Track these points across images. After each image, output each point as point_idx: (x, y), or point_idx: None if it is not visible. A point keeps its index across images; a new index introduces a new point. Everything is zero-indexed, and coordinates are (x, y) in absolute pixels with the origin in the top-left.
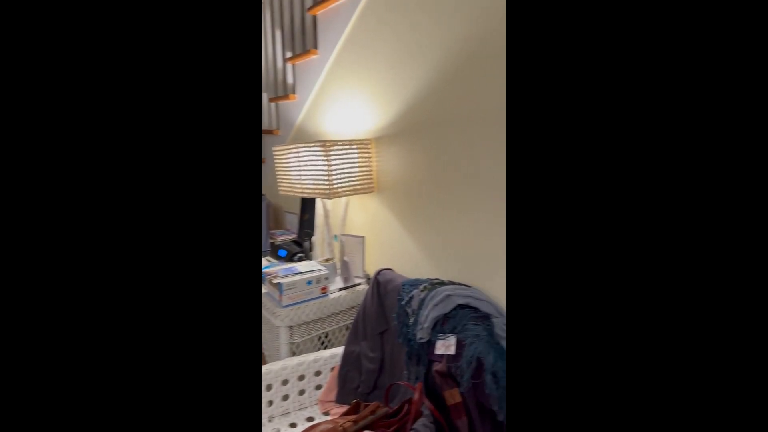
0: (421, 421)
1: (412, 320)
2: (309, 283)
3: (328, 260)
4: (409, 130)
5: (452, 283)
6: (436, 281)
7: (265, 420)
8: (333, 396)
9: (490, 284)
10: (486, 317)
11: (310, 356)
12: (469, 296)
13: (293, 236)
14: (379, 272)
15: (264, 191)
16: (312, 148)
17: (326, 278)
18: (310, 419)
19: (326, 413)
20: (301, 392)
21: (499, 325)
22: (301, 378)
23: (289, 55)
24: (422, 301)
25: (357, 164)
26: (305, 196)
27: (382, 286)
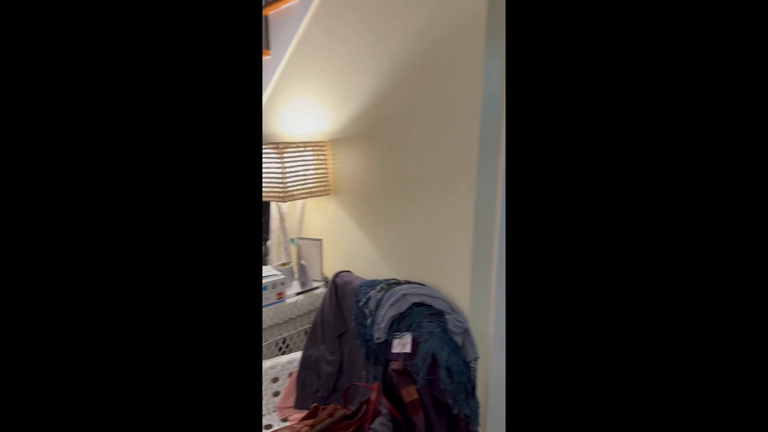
0: (379, 420)
1: (369, 321)
2: (264, 288)
3: (284, 264)
4: (366, 132)
5: (408, 282)
6: (392, 281)
7: None
8: (291, 402)
9: (445, 282)
10: (440, 314)
11: (267, 363)
12: (424, 294)
13: None
14: (337, 275)
15: None
16: (265, 151)
17: (282, 283)
18: (267, 427)
19: (284, 419)
20: None
21: (452, 321)
22: None
23: None
24: (379, 302)
25: (312, 166)
26: None
27: (340, 288)
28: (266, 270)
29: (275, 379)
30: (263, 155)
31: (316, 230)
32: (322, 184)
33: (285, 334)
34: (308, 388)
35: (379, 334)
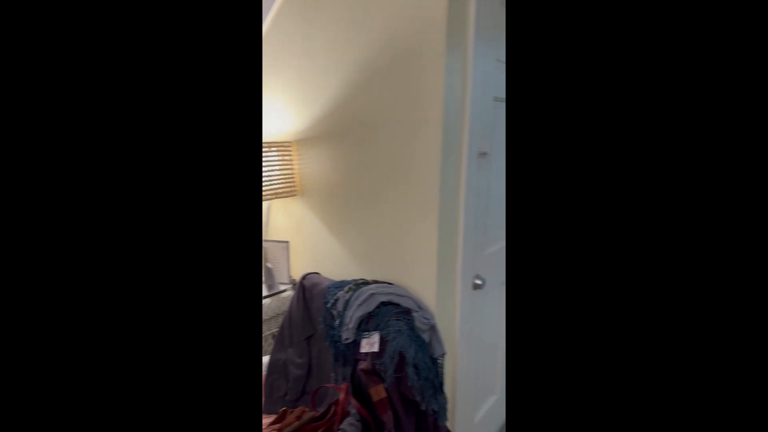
0: (347, 420)
1: (337, 322)
2: None
3: None
4: (332, 132)
5: (376, 282)
6: (360, 281)
7: None
8: None
9: (412, 280)
10: (407, 312)
11: None
12: (392, 293)
13: None
14: (304, 277)
15: None
16: None
17: None
18: None
19: None
20: None
21: (419, 319)
22: None
23: None
24: (347, 302)
25: (277, 167)
26: None
27: (308, 290)
28: None
29: None
30: None
31: (283, 232)
32: (288, 185)
33: None
34: (276, 393)
35: (347, 335)
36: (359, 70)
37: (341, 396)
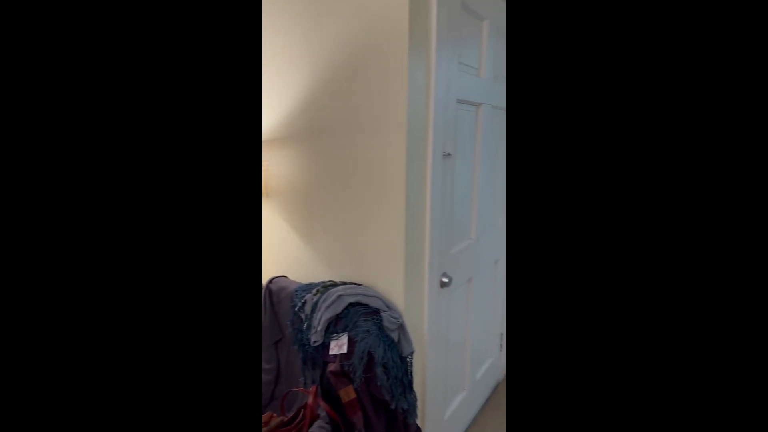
0: (317, 423)
1: (305, 325)
2: None
3: None
4: (299, 134)
5: (344, 283)
6: (328, 283)
7: None
8: None
9: (380, 280)
10: (376, 312)
11: None
12: (360, 294)
13: None
14: (271, 281)
15: None
16: None
17: None
18: None
19: None
20: None
21: (387, 318)
22: None
23: None
24: (315, 305)
25: None
26: None
27: (275, 294)
28: None
29: None
30: None
31: None
32: None
33: None
34: None
35: (315, 338)
36: (323, 73)
37: (310, 399)
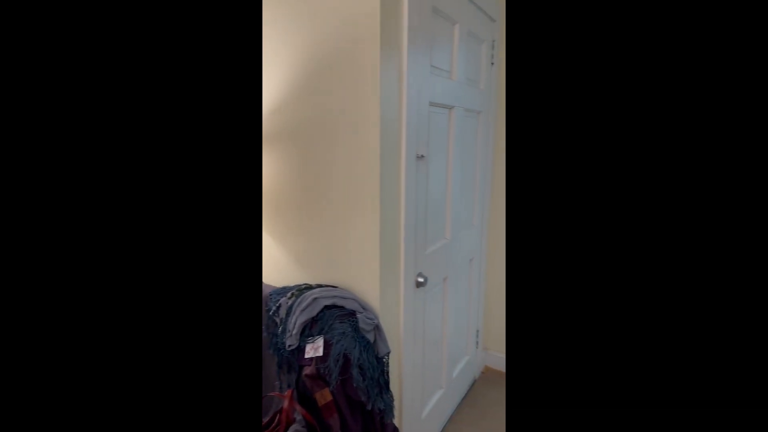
0: (293, 427)
1: (280, 329)
2: None
3: None
4: (272, 136)
5: (320, 286)
6: (303, 286)
7: None
8: None
9: (356, 281)
10: (351, 314)
11: None
12: (336, 296)
13: None
14: None
15: None
16: None
17: None
18: None
19: None
20: None
21: (363, 320)
22: None
23: None
24: (290, 308)
25: None
26: None
27: None
28: None
29: None
30: None
31: None
32: None
33: None
34: None
35: (291, 341)
36: (297, 74)
37: (285, 403)
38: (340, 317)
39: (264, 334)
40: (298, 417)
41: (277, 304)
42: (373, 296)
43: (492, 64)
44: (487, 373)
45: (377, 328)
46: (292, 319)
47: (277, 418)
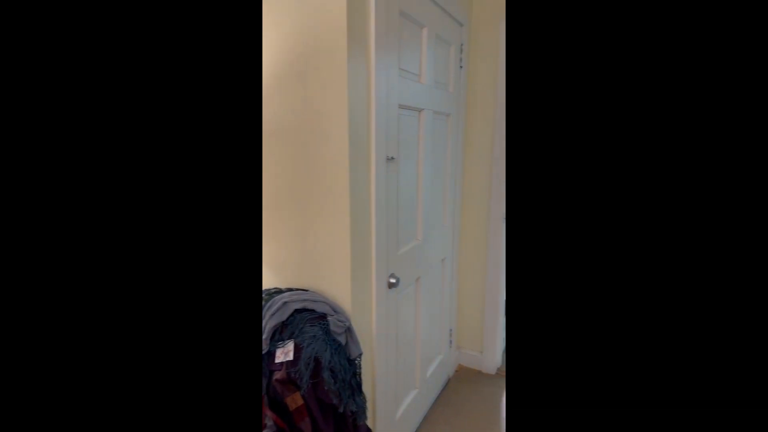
0: None
1: None
2: None
3: None
4: None
5: (290, 289)
6: (273, 290)
7: None
8: None
9: (327, 284)
10: (322, 317)
11: None
12: (306, 300)
13: None
14: None
15: None
16: None
17: None
18: None
19: None
20: None
21: (334, 322)
22: None
23: None
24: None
25: None
26: None
27: None
28: None
29: None
30: None
31: None
32: None
33: None
34: None
35: (261, 346)
36: (267, 76)
37: None
38: (310, 320)
39: None
40: (270, 422)
41: None
42: (345, 298)
43: (461, 67)
44: (460, 371)
45: (349, 330)
46: (261, 324)
47: None
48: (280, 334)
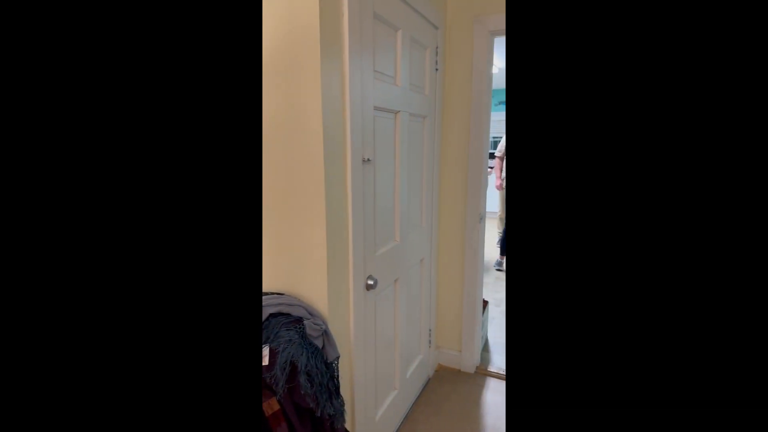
0: None
1: None
2: None
3: None
4: None
5: (265, 294)
6: None
7: None
8: None
9: (303, 287)
10: (298, 321)
11: None
12: (281, 303)
13: None
14: None
15: None
16: None
17: None
18: None
19: None
20: None
21: (310, 326)
22: None
23: None
24: None
25: None
26: None
27: None
28: None
29: None
30: None
31: None
32: None
33: None
34: None
35: None
36: None
37: None
38: (286, 325)
39: None
40: None
41: None
42: (322, 301)
43: (436, 69)
44: (440, 370)
45: (325, 333)
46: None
47: None
48: None
